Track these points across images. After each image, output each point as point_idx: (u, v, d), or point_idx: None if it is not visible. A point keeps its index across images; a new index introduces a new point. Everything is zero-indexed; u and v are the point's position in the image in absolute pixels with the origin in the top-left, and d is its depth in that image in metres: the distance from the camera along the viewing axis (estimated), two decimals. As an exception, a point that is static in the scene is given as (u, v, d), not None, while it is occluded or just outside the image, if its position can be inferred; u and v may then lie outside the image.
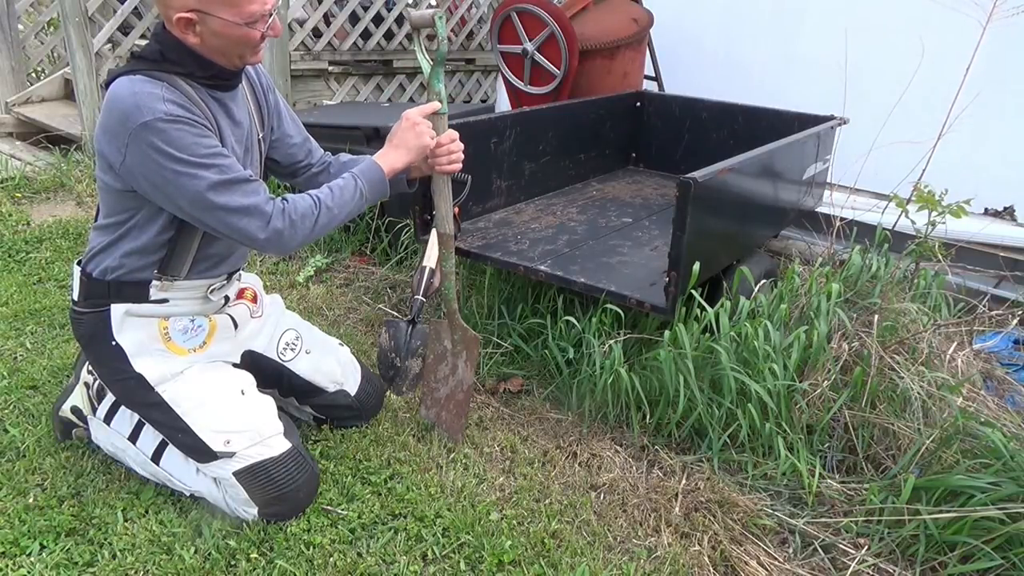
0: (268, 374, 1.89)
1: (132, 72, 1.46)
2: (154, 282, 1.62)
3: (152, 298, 1.63)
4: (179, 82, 1.48)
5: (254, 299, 1.88)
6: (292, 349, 1.92)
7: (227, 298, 1.78)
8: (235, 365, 1.79)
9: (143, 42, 4.63)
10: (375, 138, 3.13)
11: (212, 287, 1.71)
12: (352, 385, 1.99)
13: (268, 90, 1.78)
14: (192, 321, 1.70)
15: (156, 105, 1.41)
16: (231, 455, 1.62)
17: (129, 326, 1.63)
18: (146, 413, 1.70)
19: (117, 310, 1.62)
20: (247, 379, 1.75)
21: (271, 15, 1.50)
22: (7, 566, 1.54)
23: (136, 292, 1.62)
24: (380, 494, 1.80)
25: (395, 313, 2.78)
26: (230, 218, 1.49)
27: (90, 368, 1.90)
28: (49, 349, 2.38)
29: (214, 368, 1.72)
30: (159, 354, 1.65)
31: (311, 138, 1.90)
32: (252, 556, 1.59)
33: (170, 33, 1.49)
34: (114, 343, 1.62)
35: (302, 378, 1.92)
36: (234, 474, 1.62)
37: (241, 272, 1.86)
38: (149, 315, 1.64)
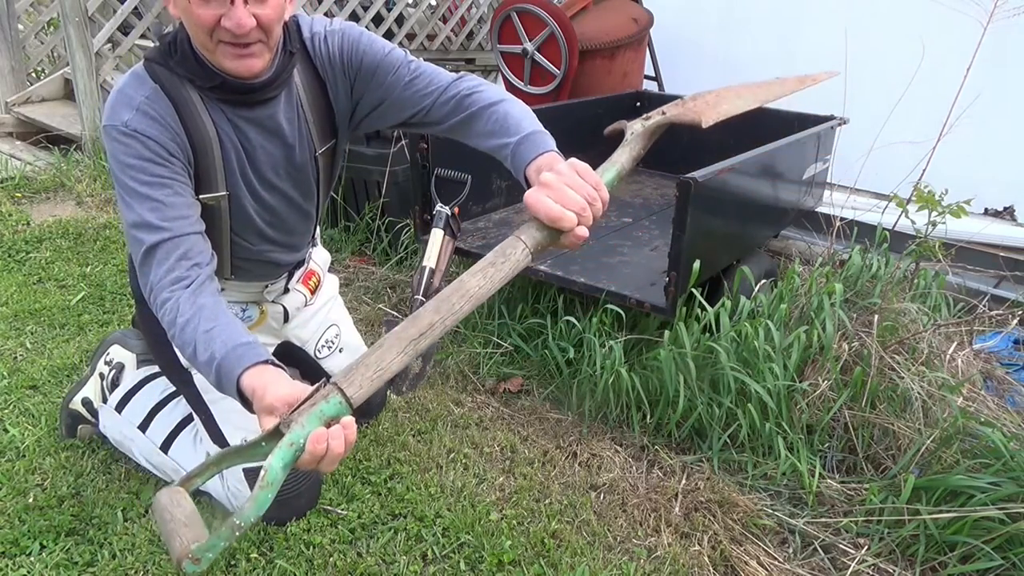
0: (296, 361, 1.86)
1: (148, 60, 1.36)
2: None
3: None
4: (184, 88, 1.33)
5: (314, 290, 1.80)
6: (329, 347, 1.90)
7: (287, 289, 1.74)
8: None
9: (143, 42, 4.65)
10: (375, 137, 3.13)
11: (267, 287, 1.70)
12: None
13: (343, 75, 1.46)
14: (243, 310, 1.68)
15: (122, 112, 1.29)
16: None
17: None
18: (179, 387, 1.70)
19: None
20: None
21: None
22: (7, 566, 1.54)
23: None
24: (380, 494, 1.80)
25: (395, 313, 2.78)
26: (136, 262, 1.32)
27: (107, 359, 1.90)
28: (49, 349, 2.37)
29: None
30: None
31: (443, 85, 1.43)
32: (252, 556, 1.59)
33: (184, 27, 1.31)
34: None
35: (329, 374, 1.92)
36: (244, 471, 1.62)
37: (311, 251, 1.76)
38: None
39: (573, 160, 1.16)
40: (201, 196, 1.39)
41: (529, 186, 1.18)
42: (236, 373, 1.13)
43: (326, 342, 1.89)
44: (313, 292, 1.82)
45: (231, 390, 1.15)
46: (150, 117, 1.30)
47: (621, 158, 1.25)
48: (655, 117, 1.30)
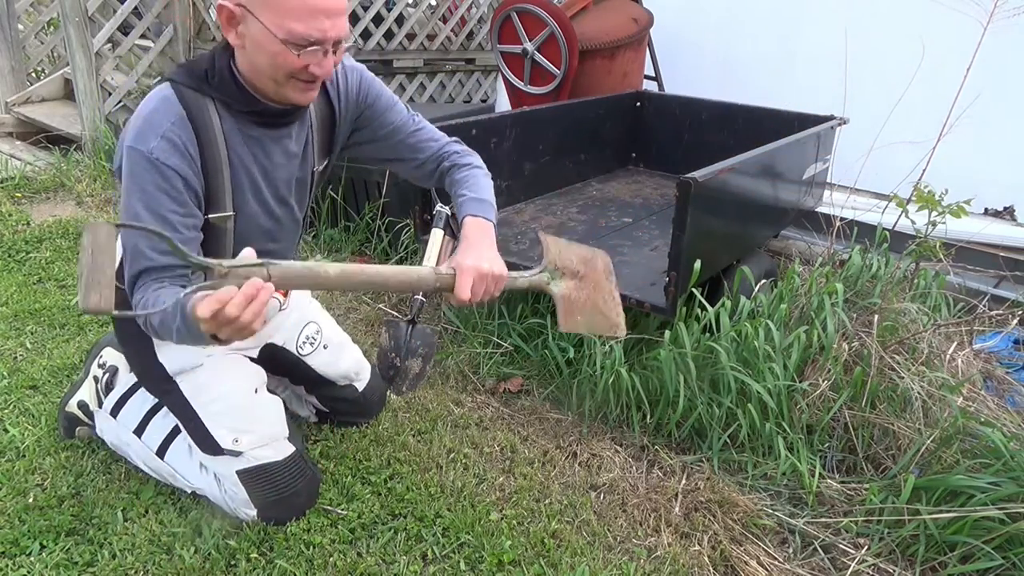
0: (283, 364, 1.88)
1: (176, 81, 1.39)
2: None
3: None
4: (207, 112, 1.39)
5: (285, 293, 1.83)
6: (311, 343, 1.91)
7: None
8: (252, 359, 1.77)
9: (143, 42, 4.65)
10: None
11: None
12: (361, 382, 2.00)
13: (355, 107, 1.61)
14: None
15: (149, 137, 1.34)
16: (238, 454, 1.62)
17: None
18: (161, 397, 1.71)
19: None
20: (261, 377, 1.74)
21: (327, 50, 1.31)
22: (7, 566, 1.54)
23: None
24: (380, 494, 1.80)
25: (395, 313, 2.78)
26: (126, 275, 1.39)
27: (100, 362, 1.91)
28: (49, 349, 2.38)
29: (232, 363, 1.71)
30: (183, 345, 1.64)
31: (428, 140, 1.70)
32: (252, 556, 1.59)
33: (225, 53, 1.39)
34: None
35: (316, 372, 1.92)
36: (238, 472, 1.62)
37: None
38: None
39: (503, 271, 1.46)
40: (209, 215, 1.46)
41: (459, 224, 1.56)
42: (194, 297, 1.18)
43: (307, 338, 1.90)
44: (285, 295, 1.85)
45: (189, 313, 1.19)
46: (173, 145, 1.36)
47: (522, 283, 1.54)
48: (553, 288, 1.57)
